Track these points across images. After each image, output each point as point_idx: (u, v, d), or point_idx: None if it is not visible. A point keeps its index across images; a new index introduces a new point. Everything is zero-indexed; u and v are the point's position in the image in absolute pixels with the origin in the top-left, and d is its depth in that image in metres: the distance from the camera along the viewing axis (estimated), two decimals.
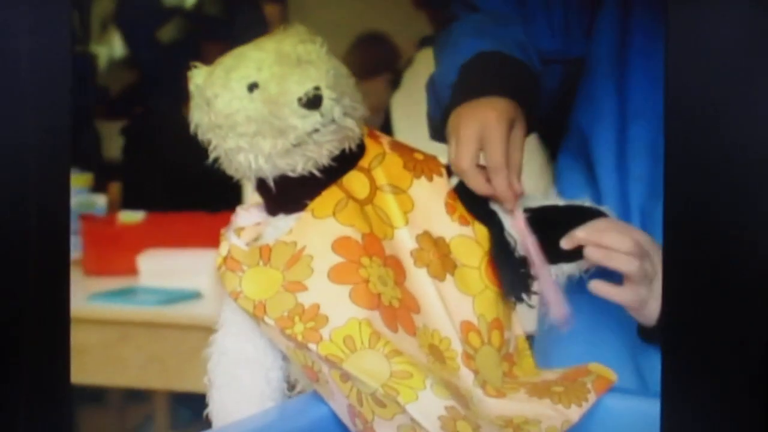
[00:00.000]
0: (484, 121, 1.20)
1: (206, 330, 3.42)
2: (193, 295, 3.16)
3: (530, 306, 1.24)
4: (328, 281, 1.16)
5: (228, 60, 1.22)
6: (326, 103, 1.17)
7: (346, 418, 1.17)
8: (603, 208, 1.27)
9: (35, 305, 0.83)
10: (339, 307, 1.15)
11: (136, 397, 3.42)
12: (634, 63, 1.33)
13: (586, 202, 1.27)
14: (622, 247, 1.19)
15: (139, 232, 3.34)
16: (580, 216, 1.24)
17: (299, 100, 1.16)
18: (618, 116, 1.34)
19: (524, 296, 1.23)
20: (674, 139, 0.78)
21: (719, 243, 0.77)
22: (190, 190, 3.39)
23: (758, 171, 0.76)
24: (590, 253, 1.20)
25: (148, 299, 3.08)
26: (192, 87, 1.23)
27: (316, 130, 1.17)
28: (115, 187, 3.87)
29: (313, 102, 1.16)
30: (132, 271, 3.26)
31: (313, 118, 1.17)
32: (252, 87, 1.18)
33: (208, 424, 1.21)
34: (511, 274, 1.22)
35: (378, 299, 1.16)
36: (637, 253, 1.19)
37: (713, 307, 0.78)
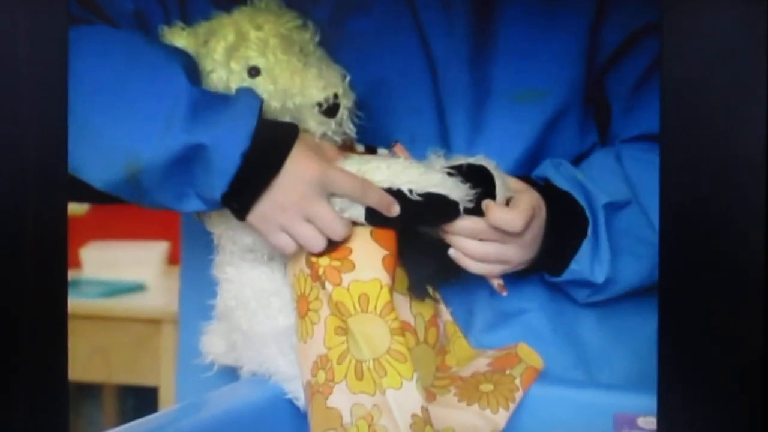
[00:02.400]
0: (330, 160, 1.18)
1: (150, 322, 3.41)
2: (137, 287, 3.15)
3: (435, 300, 1.25)
4: (370, 238, 1.17)
5: (222, 32, 1.21)
6: (341, 111, 1.19)
7: (305, 364, 1.17)
8: (484, 164, 1.22)
9: (32, 304, 0.83)
10: (369, 263, 1.16)
11: (83, 388, 3.40)
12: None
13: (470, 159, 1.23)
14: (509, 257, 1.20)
15: (82, 224, 3.33)
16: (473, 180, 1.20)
17: (319, 106, 1.18)
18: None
19: (428, 295, 1.23)
20: (671, 137, 0.78)
21: (716, 242, 0.78)
22: None
23: (757, 170, 0.77)
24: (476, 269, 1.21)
25: (92, 291, 3.07)
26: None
27: (325, 134, 1.19)
28: None
29: (332, 110, 1.18)
30: (75, 263, 3.25)
31: (329, 125, 1.19)
32: (252, 71, 1.19)
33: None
34: (416, 274, 1.22)
35: (396, 279, 1.18)
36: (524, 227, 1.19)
37: (711, 306, 0.78)
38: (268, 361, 1.21)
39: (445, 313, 1.27)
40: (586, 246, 1.23)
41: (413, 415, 1.10)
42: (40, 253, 0.82)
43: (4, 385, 0.81)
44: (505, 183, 1.20)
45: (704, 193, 0.78)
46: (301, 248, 1.16)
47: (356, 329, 1.13)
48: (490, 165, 1.19)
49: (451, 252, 1.20)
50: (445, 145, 1.27)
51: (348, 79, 1.19)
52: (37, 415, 0.82)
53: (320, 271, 1.15)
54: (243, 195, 1.14)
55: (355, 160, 1.19)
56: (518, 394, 1.20)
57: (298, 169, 1.13)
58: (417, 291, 1.21)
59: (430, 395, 1.19)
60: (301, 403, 1.19)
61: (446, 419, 1.17)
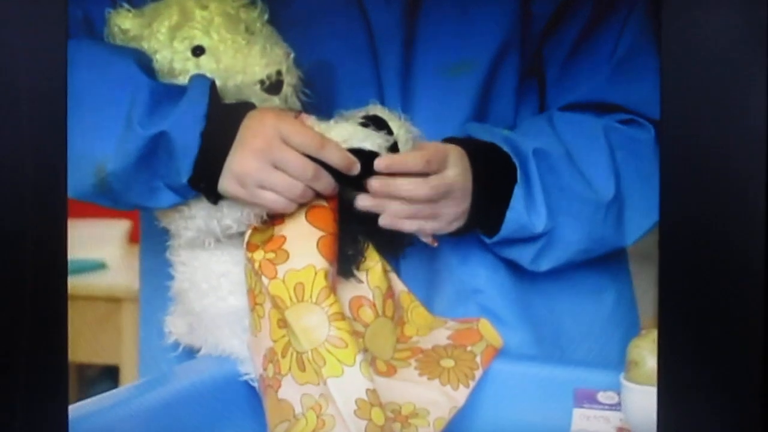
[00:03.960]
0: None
1: (111, 301, 3.39)
2: (98, 266, 3.14)
3: (360, 281, 1.23)
4: (305, 221, 1.17)
5: (167, 12, 1.21)
6: (285, 88, 1.19)
7: (257, 358, 1.17)
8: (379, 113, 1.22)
9: (32, 300, 0.83)
10: (303, 249, 1.16)
11: None
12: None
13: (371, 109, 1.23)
14: (414, 202, 1.19)
15: None
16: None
17: (261, 83, 1.18)
18: None
19: (353, 274, 1.23)
20: (670, 137, 0.78)
21: (715, 241, 0.78)
22: None
23: (757, 170, 0.77)
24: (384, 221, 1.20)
25: None
26: (114, 29, 1.22)
27: None
28: None
29: (275, 87, 1.19)
30: None
31: (272, 101, 1.19)
32: (197, 50, 1.19)
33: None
34: (343, 254, 1.21)
35: (336, 255, 1.18)
36: (431, 194, 1.19)
37: (709, 307, 0.79)
38: (223, 342, 1.21)
39: (399, 284, 1.27)
40: (518, 192, 1.23)
41: (357, 400, 1.10)
42: (39, 249, 0.83)
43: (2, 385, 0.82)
44: (408, 129, 1.21)
45: (704, 192, 0.78)
46: (291, 204, 1.16)
47: (293, 321, 1.13)
48: (384, 113, 1.21)
49: (381, 220, 1.19)
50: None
51: (292, 56, 1.20)
52: (34, 408, 0.83)
53: (256, 266, 1.15)
54: (209, 171, 1.15)
55: None
56: (478, 372, 1.21)
57: (255, 125, 1.15)
58: (342, 270, 1.21)
59: (390, 368, 1.19)
60: (256, 384, 1.19)
61: (406, 394, 1.18)
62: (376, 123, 1.20)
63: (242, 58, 1.18)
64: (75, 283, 3.05)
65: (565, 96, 1.32)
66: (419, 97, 1.28)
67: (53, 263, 0.85)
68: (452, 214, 1.21)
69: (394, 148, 1.19)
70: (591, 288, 1.34)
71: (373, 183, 1.18)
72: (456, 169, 1.20)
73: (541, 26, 1.29)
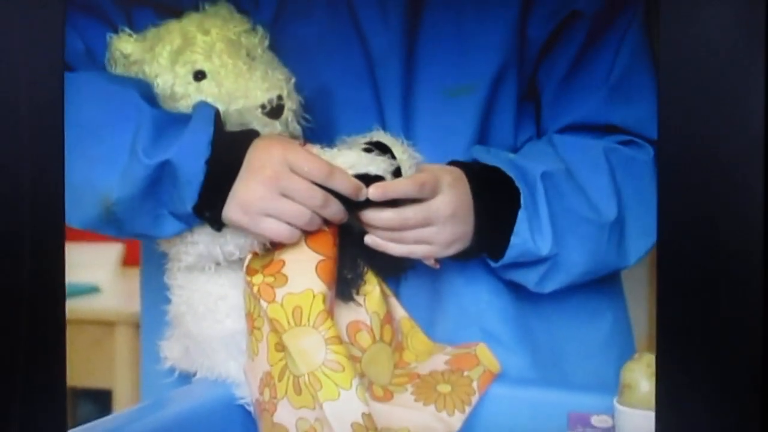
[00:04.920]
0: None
1: (105, 324, 3.38)
2: (91, 290, 3.14)
3: (359, 304, 1.24)
4: (304, 245, 1.17)
5: (169, 37, 1.21)
6: (286, 113, 1.20)
7: (254, 382, 1.17)
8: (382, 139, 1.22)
9: (29, 308, 0.83)
10: (301, 272, 1.16)
11: None
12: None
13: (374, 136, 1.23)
14: (406, 231, 1.19)
15: None
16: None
17: (263, 107, 1.19)
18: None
19: (352, 297, 1.23)
20: (668, 138, 0.78)
21: (714, 241, 0.78)
22: None
23: (756, 169, 0.77)
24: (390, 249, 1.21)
25: None
26: (115, 53, 1.23)
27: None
28: None
29: (276, 112, 1.19)
30: None
31: (273, 126, 1.20)
32: (198, 74, 1.19)
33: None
34: (342, 277, 1.22)
35: (335, 280, 1.18)
36: (424, 220, 1.19)
37: (708, 309, 0.79)
38: (219, 366, 1.22)
39: (400, 310, 1.27)
40: (522, 216, 1.23)
41: (353, 424, 1.10)
42: (35, 260, 0.83)
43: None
44: (411, 154, 1.21)
45: (702, 192, 0.78)
46: (295, 232, 1.16)
47: (290, 345, 1.13)
48: (387, 139, 1.21)
49: (367, 239, 1.20)
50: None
51: (293, 81, 1.21)
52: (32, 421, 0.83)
53: (255, 290, 1.15)
54: (214, 200, 1.15)
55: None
56: (474, 398, 1.21)
57: (262, 154, 1.15)
58: (341, 294, 1.21)
59: (387, 394, 1.19)
60: (252, 408, 1.19)
61: (402, 419, 1.18)
62: (380, 148, 1.20)
63: (243, 83, 1.19)
64: (68, 306, 3.04)
65: (562, 118, 1.32)
66: (420, 120, 1.29)
67: (50, 287, 0.85)
68: (446, 239, 1.21)
69: (397, 173, 1.19)
70: (590, 311, 1.35)
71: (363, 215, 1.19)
72: (446, 196, 1.20)
73: (536, 49, 1.30)
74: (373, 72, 1.28)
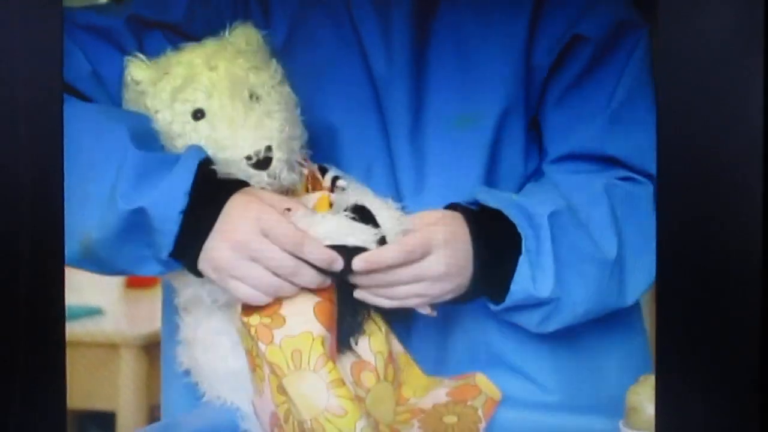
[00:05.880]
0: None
1: (108, 347, 3.38)
2: (95, 312, 3.13)
3: (363, 344, 1.21)
4: None
5: (174, 71, 1.20)
6: (275, 164, 1.17)
7: (264, 418, 1.17)
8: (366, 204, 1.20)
9: (27, 322, 0.83)
10: (299, 314, 1.14)
11: None
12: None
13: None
14: (402, 289, 1.18)
15: None
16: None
17: (248, 158, 1.16)
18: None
19: (350, 347, 1.20)
20: (667, 138, 0.78)
21: (714, 242, 0.78)
22: None
23: (755, 169, 0.77)
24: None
25: None
26: (128, 78, 1.22)
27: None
28: None
29: (263, 163, 1.17)
30: None
31: (260, 177, 1.17)
32: (197, 114, 1.18)
33: None
34: (346, 323, 1.20)
35: (334, 322, 1.16)
36: (421, 276, 1.18)
37: (708, 310, 0.79)
38: (224, 396, 1.21)
39: (397, 345, 1.25)
40: (523, 262, 1.21)
41: None
42: (34, 273, 0.83)
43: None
44: (399, 216, 1.19)
45: (702, 193, 0.78)
46: (264, 297, 1.14)
47: (291, 390, 1.12)
48: (374, 204, 1.18)
49: (357, 294, 1.18)
50: (393, 175, 1.28)
51: (286, 130, 1.18)
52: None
53: (252, 332, 1.14)
54: (189, 250, 1.15)
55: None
56: (481, 425, 1.20)
57: (236, 213, 1.14)
58: (340, 342, 1.19)
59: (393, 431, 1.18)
60: None
61: None
62: (365, 215, 1.18)
63: (234, 131, 1.17)
64: (71, 329, 3.04)
65: (562, 145, 1.31)
66: (428, 149, 1.28)
67: (50, 310, 0.85)
68: (439, 293, 1.20)
69: (383, 240, 1.17)
70: (596, 338, 1.33)
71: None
72: (439, 256, 1.18)
73: (542, 76, 1.29)
74: (379, 100, 1.27)
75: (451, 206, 1.24)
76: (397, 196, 1.27)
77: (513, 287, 1.21)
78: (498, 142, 1.29)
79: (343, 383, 1.12)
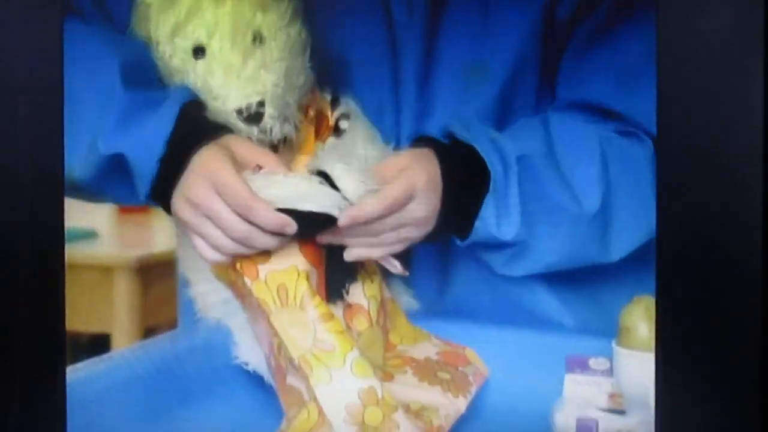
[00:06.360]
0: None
1: (103, 269, 3.39)
2: (89, 235, 3.14)
3: (357, 289, 1.20)
4: None
5: (181, 0, 1.16)
6: (266, 120, 1.15)
7: (264, 344, 1.16)
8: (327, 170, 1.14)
9: (28, 310, 0.84)
10: (285, 249, 1.12)
11: None
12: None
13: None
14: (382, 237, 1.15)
15: None
16: None
17: (239, 112, 1.15)
18: None
19: (341, 297, 1.18)
20: (667, 138, 0.78)
21: (714, 241, 0.78)
22: None
23: (756, 170, 0.77)
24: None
25: None
26: None
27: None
28: None
29: (253, 118, 1.15)
30: None
31: (250, 131, 1.16)
32: (198, 51, 1.15)
33: None
34: (337, 272, 1.17)
35: (321, 258, 1.15)
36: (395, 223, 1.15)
37: (708, 309, 0.79)
38: (219, 318, 1.21)
39: (386, 292, 1.24)
40: (489, 201, 1.19)
41: (347, 406, 1.08)
42: (35, 259, 0.84)
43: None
44: (363, 178, 1.14)
45: (702, 195, 0.78)
46: (223, 257, 1.13)
47: (279, 328, 1.11)
48: (336, 168, 1.13)
49: (347, 254, 1.16)
50: (398, 119, 1.26)
51: (281, 85, 1.16)
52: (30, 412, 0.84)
53: (237, 266, 1.13)
54: (164, 198, 1.14)
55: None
56: (473, 389, 1.19)
57: (197, 168, 1.12)
58: (330, 295, 1.17)
59: (387, 375, 1.17)
60: (249, 367, 1.18)
61: (411, 395, 1.15)
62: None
63: (228, 80, 1.15)
64: (66, 252, 3.04)
65: (570, 94, 1.28)
66: (437, 98, 1.26)
67: (50, 310, 0.86)
68: (422, 235, 1.18)
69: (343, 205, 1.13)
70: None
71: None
72: (420, 199, 1.16)
73: (561, 30, 1.27)
74: (394, 44, 1.25)
75: (423, 139, 1.22)
76: (398, 142, 1.26)
77: (477, 224, 1.20)
78: (509, 95, 1.27)
79: (332, 317, 1.11)
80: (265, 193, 1.10)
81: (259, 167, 1.13)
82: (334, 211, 1.11)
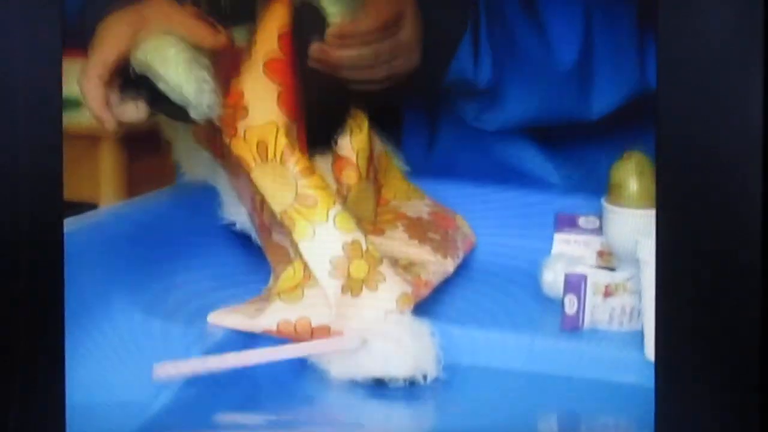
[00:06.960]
0: None
1: (87, 138, 3.39)
2: (74, 103, 3.12)
3: (344, 141, 1.18)
4: (262, 73, 1.12)
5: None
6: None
7: (246, 200, 1.16)
8: None
9: (27, 322, 0.85)
10: (262, 104, 1.11)
11: None
12: None
13: None
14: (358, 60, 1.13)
15: None
16: None
17: None
18: None
19: (333, 142, 1.17)
20: (667, 138, 0.78)
21: (714, 241, 0.79)
22: None
23: (755, 170, 0.77)
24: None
25: None
26: None
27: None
28: None
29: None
30: None
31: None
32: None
33: None
34: (324, 119, 1.16)
35: (301, 113, 1.14)
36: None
37: (708, 309, 0.79)
38: (201, 176, 1.21)
39: (378, 145, 1.23)
40: (467, 40, 1.18)
41: (332, 260, 1.08)
42: (34, 259, 0.84)
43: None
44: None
45: (702, 195, 0.79)
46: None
47: (260, 184, 1.10)
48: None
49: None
50: None
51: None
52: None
53: (216, 122, 1.11)
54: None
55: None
56: (461, 253, 1.19)
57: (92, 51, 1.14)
58: (318, 145, 1.16)
59: (378, 229, 1.17)
60: (237, 227, 1.18)
61: (401, 250, 1.16)
62: None
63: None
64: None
65: None
66: None
67: (50, 309, 0.86)
68: (411, 69, 1.16)
69: None
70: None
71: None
72: (408, 24, 1.14)
73: None
74: None
75: None
76: None
77: (454, 64, 1.18)
78: None
79: (313, 172, 1.10)
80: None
81: None
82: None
